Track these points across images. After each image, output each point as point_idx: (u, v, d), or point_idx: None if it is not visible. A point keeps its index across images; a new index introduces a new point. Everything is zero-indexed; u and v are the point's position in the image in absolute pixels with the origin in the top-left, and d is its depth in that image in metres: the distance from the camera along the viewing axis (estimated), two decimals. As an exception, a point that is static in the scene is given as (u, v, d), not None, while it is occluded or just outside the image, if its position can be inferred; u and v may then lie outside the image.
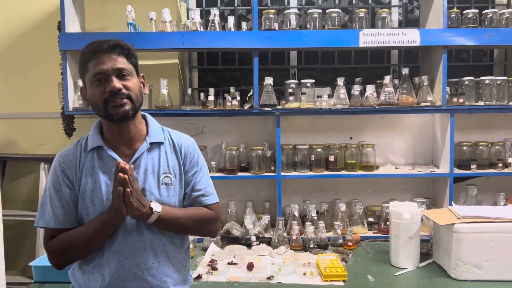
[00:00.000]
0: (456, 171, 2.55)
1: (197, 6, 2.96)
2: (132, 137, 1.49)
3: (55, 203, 1.42)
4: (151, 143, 1.51)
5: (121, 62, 1.41)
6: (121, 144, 1.48)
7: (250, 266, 2.09)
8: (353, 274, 2.03)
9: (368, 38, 2.41)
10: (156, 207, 1.42)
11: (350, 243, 2.41)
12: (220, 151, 2.69)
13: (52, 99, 2.67)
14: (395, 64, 2.98)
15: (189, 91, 2.70)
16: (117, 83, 1.39)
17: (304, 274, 2.01)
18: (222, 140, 2.71)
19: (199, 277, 2.00)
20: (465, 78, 2.57)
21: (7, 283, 2.18)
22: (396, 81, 2.63)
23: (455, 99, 2.55)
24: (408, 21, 2.98)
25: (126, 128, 1.47)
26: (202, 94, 2.64)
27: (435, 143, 2.73)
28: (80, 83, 2.34)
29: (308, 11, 2.54)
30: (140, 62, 2.74)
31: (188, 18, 2.78)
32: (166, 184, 1.49)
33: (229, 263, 2.16)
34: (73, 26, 2.51)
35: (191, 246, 2.25)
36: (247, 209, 2.67)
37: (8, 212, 2.58)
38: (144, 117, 1.57)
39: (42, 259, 2.02)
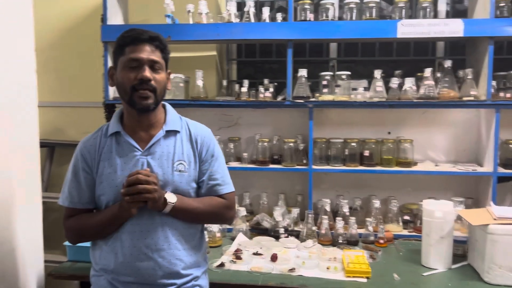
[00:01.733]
0: (501, 170, 2.40)
1: (236, -1, 2.98)
2: (151, 124, 1.55)
3: (72, 185, 1.53)
4: (167, 131, 1.56)
5: (157, 55, 1.50)
6: (139, 130, 1.55)
7: (274, 258, 2.09)
8: (379, 272, 1.97)
9: (407, 28, 2.32)
10: (170, 198, 1.47)
11: (381, 241, 2.34)
12: (254, 142, 2.70)
13: (96, 89, 2.79)
14: (441, 57, 2.85)
15: (224, 82, 2.72)
16: (148, 73, 1.46)
17: (328, 268, 1.98)
18: (256, 132, 2.71)
19: (221, 265, 2.03)
20: (513, 71, 2.41)
21: (49, 261, 2.32)
22: (439, 75, 2.50)
23: (502, 94, 2.39)
24: (457, 12, 2.83)
25: (146, 117, 1.54)
26: (237, 86, 2.66)
27: (480, 140, 2.58)
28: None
29: (345, 1, 2.47)
30: (179, 54, 2.84)
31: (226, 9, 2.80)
32: (179, 170, 1.54)
33: (254, 254, 2.16)
34: (115, 18, 2.61)
35: (218, 235, 2.32)
36: (279, 201, 2.67)
37: (54, 195, 2.74)
38: (163, 106, 1.63)
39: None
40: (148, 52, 1.47)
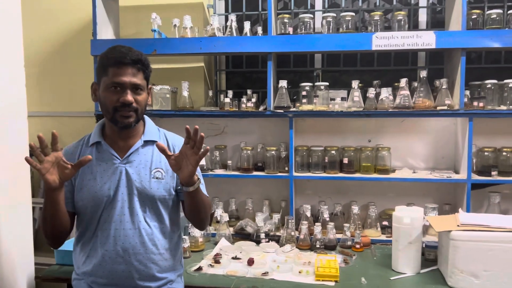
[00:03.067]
0: (475, 177, 2.47)
1: (225, 11, 3.09)
2: (130, 135, 1.65)
3: None
4: (145, 141, 1.67)
5: (138, 78, 1.57)
6: (119, 141, 1.65)
7: (250, 262, 2.19)
8: (349, 276, 2.06)
9: (381, 41, 2.40)
10: (200, 178, 1.59)
11: (357, 246, 2.42)
12: (239, 150, 2.80)
13: (89, 99, 2.91)
14: (421, 66, 2.92)
15: (210, 93, 2.83)
16: (130, 96, 1.54)
17: (300, 272, 2.08)
18: (241, 140, 2.82)
19: (199, 268, 2.13)
20: (487, 81, 2.47)
21: (41, 264, 2.45)
22: (416, 84, 2.58)
23: (475, 103, 2.46)
24: (437, 22, 2.90)
25: (126, 131, 1.63)
26: (222, 96, 2.77)
27: (457, 148, 2.65)
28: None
29: (323, 15, 2.57)
30: (168, 66, 2.96)
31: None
32: (157, 178, 1.64)
33: (233, 258, 2.27)
34: (105, 33, 2.74)
35: (200, 240, 2.43)
36: (263, 207, 2.77)
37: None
38: (142, 119, 1.73)
39: (64, 244, 2.25)
40: (130, 75, 1.54)
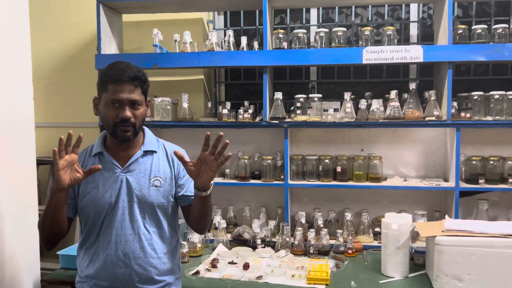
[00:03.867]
0: (463, 185, 2.56)
1: (224, 26, 3.23)
2: (130, 146, 1.75)
3: None
4: (145, 151, 1.77)
5: (136, 94, 1.66)
6: (119, 151, 1.75)
7: (246, 266, 2.29)
8: (339, 279, 2.15)
9: (371, 55, 2.52)
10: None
11: (350, 251, 2.51)
12: (237, 159, 2.92)
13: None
14: (413, 78, 3.03)
15: (209, 104, 2.95)
16: (128, 112, 1.63)
17: (293, 276, 2.17)
18: (239, 150, 2.93)
19: (197, 272, 2.24)
20: (474, 93, 2.58)
21: (45, 268, 2.56)
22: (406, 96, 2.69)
23: (463, 114, 2.56)
24: (427, 36, 3.01)
25: (126, 142, 1.74)
26: (220, 107, 2.89)
27: (446, 157, 2.75)
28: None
29: (316, 30, 2.69)
30: (169, 78, 3.10)
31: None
32: (155, 186, 1.74)
33: (229, 263, 2.37)
34: (109, 47, 2.87)
35: (199, 245, 2.53)
36: (260, 214, 2.88)
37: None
38: (142, 130, 1.84)
39: (68, 249, 2.37)
40: (128, 92, 1.63)
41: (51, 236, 1.66)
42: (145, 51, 3.02)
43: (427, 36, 3.02)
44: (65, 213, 1.63)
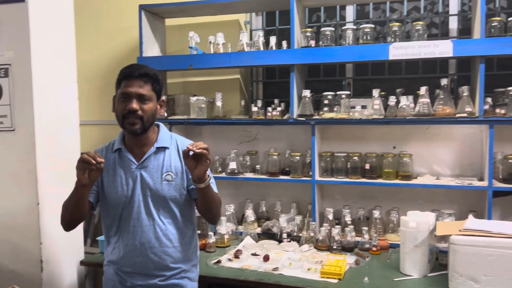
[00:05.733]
0: (497, 184, 2.45)
1: (262, 27, 3.32)
2: (144, 143, 1.91)
3: None
4: (157, 147, 1.91)
5: (145, 89, 1.80)
6: (135, 148, 1.91)
7: (266, 258, 2.37)
8: (354, 275, 2.17)
9: (398, 51, 2.48)
10: (211, 176, 1.82)
11: (374, 248, 2.51)
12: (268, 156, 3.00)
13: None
14: (452, 74, 2.93)
15: (243, 102, 3.07)
16: (134, 104, 1.78)
17: (309, 269, 2.22)
18: (271, 146, 3.01)
19: (218, 261, 2.36)
20: (510, 88, 2.45)
21: (88, 253, 2.82)
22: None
23: (498, 110, 2.45)
24: (468, 30, 2.89)
25: (139, 138, 1.88)
26: (252, 105, 2.99)
27: (483, 155, 2.63)
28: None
29: (342, 28, 2.70)
30: (207, 78, 3.25)
31: (251, 38, 3.17)
32: (167, 180, 1.88)
33: (252, 254, 2.46)
34: (151, 51, 3.08)
35: (226, 237, 2.65)
36: (291, 210, 2.94)
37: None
38: (158, 126, 1.99)
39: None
40: (136, 87, 1.78)
41: (71, 221, 1.87)
42: (185, 53, 3.19)
43: (468, 30, 2.90)
44: (86, 204, 1.82)
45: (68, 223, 1.88)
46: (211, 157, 1.73)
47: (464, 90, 2.50)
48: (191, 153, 1.71)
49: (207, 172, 1.77)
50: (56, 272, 2.40)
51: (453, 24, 2.95)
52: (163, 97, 1.93)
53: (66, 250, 2.47)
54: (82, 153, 1.71)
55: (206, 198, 1.83)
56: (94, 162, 1.66)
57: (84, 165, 1.67)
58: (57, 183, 2.38)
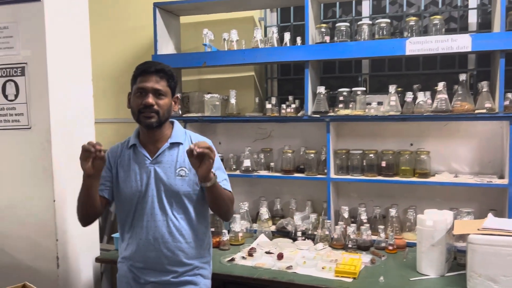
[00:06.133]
0: (519, 182, 2.38)
1: (277, 23, 3.29)
2: (158, 139, 1.92)
3: None
4: (171, 143, 1.92)
5: (161, 84, 1.83)
6: (150, 144, 1.92)
7: (279, 256, 2.36)
8: (370, 274, 2.14)
9: (415, 46, 2.43)
10: (217, 176, 1.81)
11: (390, 247, 2.46)
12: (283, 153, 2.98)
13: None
14: (472, 69, 2.86)
15: (257, 99, 3.05)
16: (150, 99, 1.80)
17: (323, 268, 2.20)
18: (286, 144, 2.99)
19: (232, 259, 2.35)
20: (532, 83, 2.38)
21: (104, 249, 2.85)
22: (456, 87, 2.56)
23: (519, 106, 2.38)
24: (488, 24, 2.82)
25: (153, 133, 1.90)
26: (266, 102, 2.97)
27: (503, 153, 2.56)
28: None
29: (358, 23, 2.66)
30: (221, 75, 3.25)
31: (265, 34, 3.15)
32: (181, 175, 1.88)
33: (266, 252, 2.45)
34: (166, 48, 3.09)
35: (240, 234, 2.64)
36: (306, 207, 2.91)
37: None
38: (172, 123, 2.00)
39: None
40: (153, 82, 1.81)
41: (85, 215, 1.90)
42: (200, 51, 3.19)
43: (487, 24, 2.82)
44: (95, 196, 1.83)
45: (82, 217, 1.90)
46: (214, 155, 1.72)
47: (484, 86, 2.44)
48: (195, 152, 1.71)
49: (213, 171, 1.76)
50: (72, 268, 2.43)
51: (472, 18, 2.88)
52: (178, 94, 1.93)
53: (82, 246, 2.49)
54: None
55: (213, 196, 1.83)
56: (93, 149, 1.69)
57: (85, 154, 1.71)
58: (73, 180, 2.38)
